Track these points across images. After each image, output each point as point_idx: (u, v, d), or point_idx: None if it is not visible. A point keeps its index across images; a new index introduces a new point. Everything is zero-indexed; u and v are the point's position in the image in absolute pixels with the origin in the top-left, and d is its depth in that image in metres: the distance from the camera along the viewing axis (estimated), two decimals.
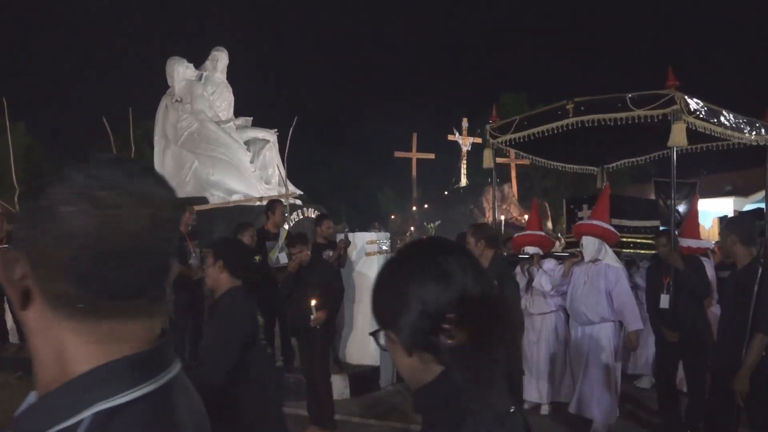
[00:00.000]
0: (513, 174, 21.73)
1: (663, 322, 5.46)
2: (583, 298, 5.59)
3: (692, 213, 6.97)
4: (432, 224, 26.87)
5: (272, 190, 12.68)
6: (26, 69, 45.06)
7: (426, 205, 26.47)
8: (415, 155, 15.43)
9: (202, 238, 9.23)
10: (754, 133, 7.17)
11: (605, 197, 6.08)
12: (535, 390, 6.36)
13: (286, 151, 10.11)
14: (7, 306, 8.76)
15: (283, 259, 6.98)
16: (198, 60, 13.58)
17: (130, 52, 51.35)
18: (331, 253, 7.00)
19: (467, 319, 1.14)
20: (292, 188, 11.85)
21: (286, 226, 8.73)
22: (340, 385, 6.93)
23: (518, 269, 6.53)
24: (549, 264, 6.36)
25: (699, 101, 6.23)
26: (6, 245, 8.51)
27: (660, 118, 5.97)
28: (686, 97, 6.00)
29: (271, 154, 13.31)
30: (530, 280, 6.42)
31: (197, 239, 7.52)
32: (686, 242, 6.10)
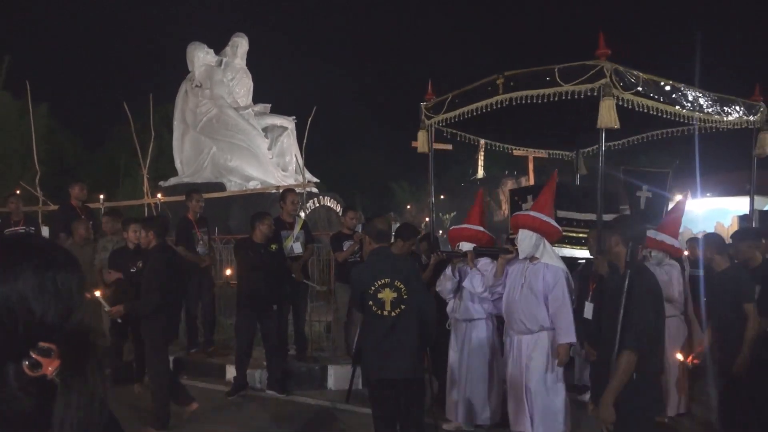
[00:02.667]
0: (530, 166, 21.57)
1: (585, 334, 4.83)
2: (519, 302, 4.84)
3: (677, 208, 6.25)
4: (447, 215, 26.83)
5: (289, 177, 12.73)
6: (50, 52, 45.51)
7: (442, 196, 26.44)
8: (432, 146, 15.39)
9: (219, 225, 9.30)
10: (731, 115, 6.08)
11: (551, 187, 5.25)
12: (453, 409, 5.49)
13: (305, 140, 10.13)
14: None
15: (297, 248, 7.02)
16: (218, 46, 13.63)
17: (152, 37, 51.64)
18: (348, 243, 7.04)
19: (59, 350, 1.00)
20: (308, 176, 11.88)
21: (303, 215, 8.77)
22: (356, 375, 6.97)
23: (448, 269, 5.55)
24: (484, 263, 5.37)
25: (638, 73, 5.23)
26: (23, 227, 8.64)
27: (588, 93, 5.06)
28: (619, 68, 5.06)
29: (289, 141, 13.35)
30: (462, 280, 5.51)
31: (206, 227, 7.56)
32: (660, 237, 5.54)
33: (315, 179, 12.70)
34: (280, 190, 8.14)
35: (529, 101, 5.39)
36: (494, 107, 5.68)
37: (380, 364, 4.12)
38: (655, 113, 5.41)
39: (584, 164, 8.48)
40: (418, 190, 30.32)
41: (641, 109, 5.27)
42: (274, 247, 6.65)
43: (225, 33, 13.93)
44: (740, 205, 15.04)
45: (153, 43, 50.23)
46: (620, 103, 5.07)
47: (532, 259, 4.85)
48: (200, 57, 13.12)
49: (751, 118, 6.30)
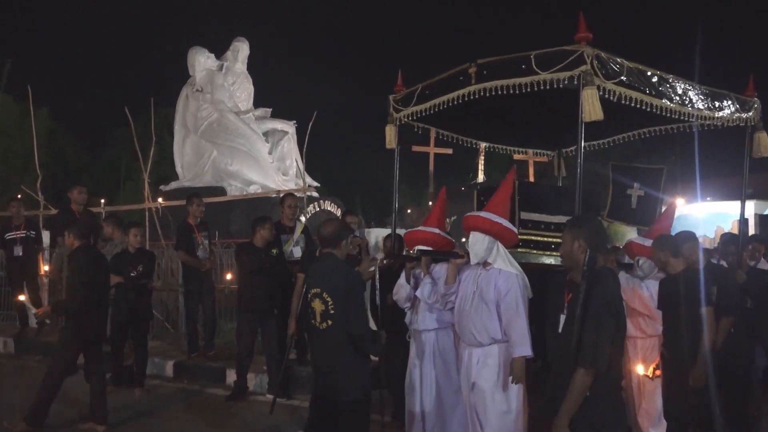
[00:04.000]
0: (531, 171, 21.62)
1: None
2: (470, 312, 4.37)
3: (668, 212, 5.70)
4: (448, 219, 26.82)
5: (289, 182, 12.74)
6: (51, 56, 45.64)
7: None
8: (432, 150, 15.45)
9: (219, 229, 9.31)
10: (724, 110, 5.49)
11: (507, 185, 4.77)
12: (412, 426, 4.97)
13: (305, 145, 10.15)
14: (26, 291, 8.90)
15: (297, 252, 7.01)
16: (219, 50, 13.66)
17: (153, 41, 51.75)
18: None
19: None
20: (309, 181, 11.89)
21: (303, 219, 8.78)
22: None
23: (402, 276, 5.11)
24: (441, 269, 4.86)
25: (621, 60, 4.66)
26: (24, 231, 8.65)
27: (566, 82, 4.51)
28: (602, 54, 4.51)
29: (290, 145, 13.37)
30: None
31: (206, 231, 7.57)
32: (649, 242, 4.95)
33: (315, 183, 12.71)
34: (281, 195, 8.15)
35: (503, 92, 4.80)
36: (466, 99, 5.06)
37: (316, 381, 3.99)
38: (640, 107, 4.80)
39: (564, 165, 7.69)
40: (419, 194, 30.34)
41: (626, 102, 4.69)
42: (274, 251, 6.66)
43: (226, 37, 13.98)
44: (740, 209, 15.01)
45: (154, 48, 50.37)
46: (602, 93, 4.50)
47: (485, 264, 4.39)
48: (201, 61, 13.15)
49: (744, 115, 5.65)
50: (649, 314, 4.89)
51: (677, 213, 15.19)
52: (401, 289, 5.06)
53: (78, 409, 5.83)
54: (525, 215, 5.22)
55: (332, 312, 3.81)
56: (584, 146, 6.78)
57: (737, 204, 6.35)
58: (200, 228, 7.52)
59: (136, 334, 6.64)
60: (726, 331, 4.62)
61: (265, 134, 13.16)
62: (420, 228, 5.17)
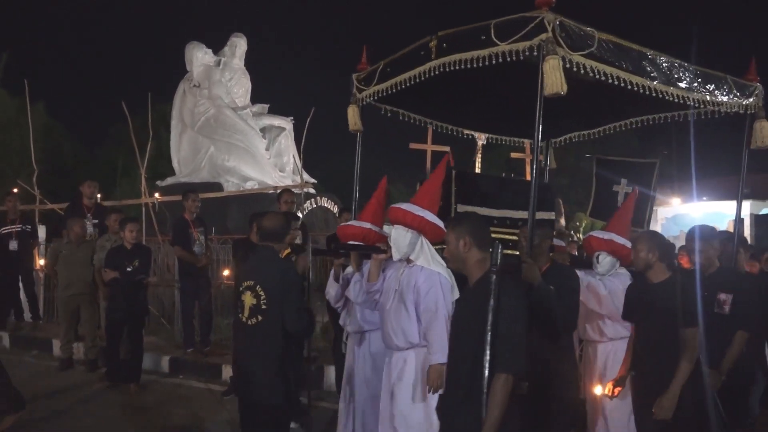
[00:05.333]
0: (527, 169, 21.68)
1: None
2: (390, 312, 3.99)
3: (628, 201, 5.11)
4: None
5: (286, 178, 12.74)
6: (47, 49, 45.46)
7: None
8: (430, 147, 15.40)
9: (216, 225, 9.31)
10: (720, 94, 4.86)
11: (437, 175, 4.37)
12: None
13: (303, 141, 10.13)
14: (21, 285, 8.89)
15: None
16: (217, 46, 13.64)
17: (150, 35, 51.62)
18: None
19: None
20: (306, 177, 11.89)
21: (300, 215, 8.76)
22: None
23: (332, 273, 4.74)
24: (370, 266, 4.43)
25: (592, 31, 4.07)
26: (20, 225, 8.64)
27: (526, 53, 3.93)
28: (566, 21, 3.93)
29: (287, 141, 13.37)
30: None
31: (202, 227, 7.56)
32: (608, 236, 4.50)
33: (312, 180, 12.71)
34: (278, 191, 8.14)
35: (464, 67, 4.22)
36: (428, 76, 4.51)
37: (240, 380, 3.86)
38: (615, 82, 4.19)
39: (554, 157, 6.99)
40: (415, 190, 30.31)
41: (598, 76, 4.10)
42: None
43: (224, 33, 13.96)
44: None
45: (151, 42, 50.20)
46: (568, 66, 3.91)
47: (409, 261, 3.99)
48: (199, 57, 13.14)
49: (744, 101, 5.02)
50: (609, 315, 4.36)
51: (673, 213, 15.22)
52: (331, 287, 4.70)
53: (72, 402, 5.82)
54: (463, 208, 4.70)
55: (264, 307, 3.64)
56: (573, 137, 6.53)
57: (733, 204, 5.70)
58: (196, 224, 7.51)
59: (131, 330, 6.63)
60: (740, 348, 4.10)
61: (263, 130, 13.16)
62: (351, 222, 4.76)
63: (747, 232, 12.66)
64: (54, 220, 10.87)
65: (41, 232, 9.80)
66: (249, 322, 3.67)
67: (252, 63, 13.98)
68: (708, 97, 4.78)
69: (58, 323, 7.69)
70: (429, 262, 3.95)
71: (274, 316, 3.61)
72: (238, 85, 13.54)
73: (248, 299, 3.68)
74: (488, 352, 2.62)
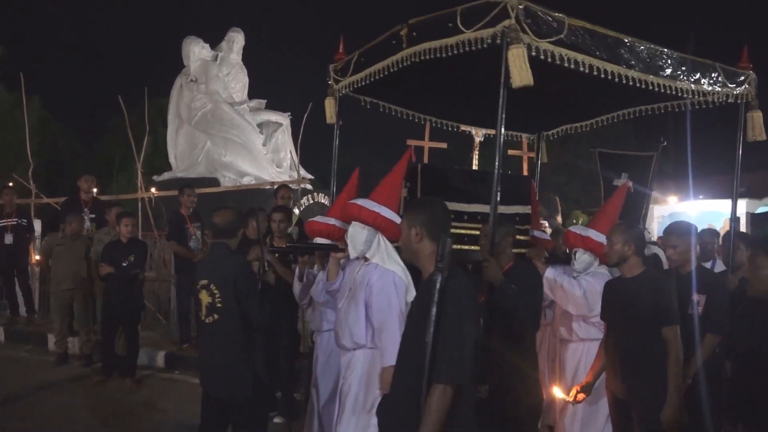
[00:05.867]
0: (525, 167, 21.71)
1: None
2: (343, 312, 3.82)
3: (617, 195, 4.74)
4: None
5: (283, 174, 12.73)
6: (44, 44, 45.27)
7: None
8: (427, 144, 15.35)
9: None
10: (707, 83, 4.55)
11: (399, 169, 4.18)
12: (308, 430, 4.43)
13: (300, 137, 10.12)
14: (16, 280, 8.87)
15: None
16: (214, 40, 13.60)
17: (147, 30, 51.44)
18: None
19: None
20: (303, 173, 11.88)
21: (297, 211, 8.76)
22: None
23: (297, 270, 4.61)
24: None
25: (561, 17, 3.82)
26: (15, 219, 8.62)
27: (490, 41, 3.71)
28: (531, 6, 3.72)
29: (284, 137, 13.35)
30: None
31: (199, 222, 7.56)
32: (585, 232, 4.27)
33: (309, 176, 12.70)
34: (275, 186, 8.13)
35: (434, 56, 4.04)
36: (401, 66, 4.32)
37: (204, 376, 3.84)
38: (587, 71, 3.96)
39: (546, 151, 6.76)
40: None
41: (567, 64, 3.86)
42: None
43: (221, 27, 13.92)
44: None
45: (148, 36, 50.06)
46: (535, 54, 3.73)
47: (366, 259, 3.80)
48: (196, 51, 13.09)
49: (736, 90, 4.72)
50: (585, 315, 4.16)
51: (669, 211, 15.23)
52: (295, 285, 4.60)
53: (67, 396, 5.81)
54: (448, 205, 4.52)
55: (219, 305, 3.59)
56: (565, 129, 6.26)
57: (728, 202, 5.41)
58: (193, 219, 7.50)
59: (127, 325, 6.62)
60: (709, 352, 3.85)
61: (260, 126, 13.14)
62: (316, 218, 4.56)
63: (743, 231, 12.69)
64: (50, 214, 10.84)
65: (37, 226, 9.77)
66: (207, 320, 3.65)
67: (249, 58, 13.95)
68: (694, 86, 4.50)
69: (51, 318, 7.68)
70: (384, 260, 3.73)
71: (230, 313, 3.57)
72: (236, 81, 13.51)
73: (204, 298, 3.65)
74: (428, 359, 2.31)
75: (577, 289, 4.11)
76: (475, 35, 3.75)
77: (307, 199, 11.84)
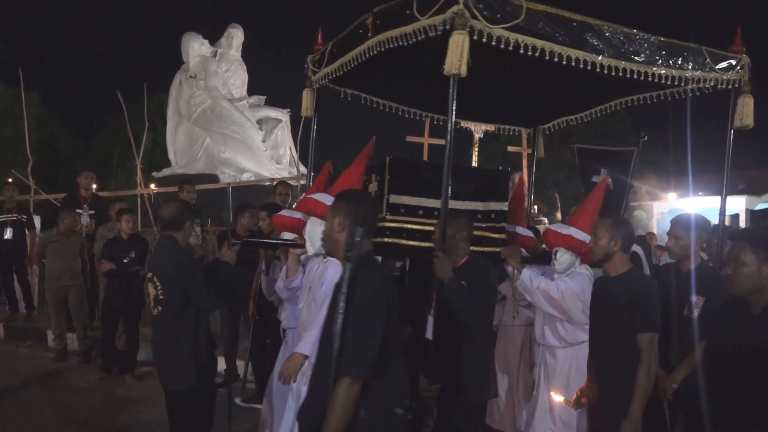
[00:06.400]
0: (524, 163, 21.73)
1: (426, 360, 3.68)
2: (303, 310, 3.76)
3: (595, 193, 4.50)
4: None
5: (283, 170, 12.72)
6: (43, 40, 45.19)
7: None
8: (427, 140, 15.35)
9: (212, 216, 9.30)
10: (694, 68, 4.23)
11: (359, 162, 4.06)
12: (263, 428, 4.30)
13: (299, 134, 10.11)
14: (15, 276, 8.86)
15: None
16: (213, 36, 13.59)
17: (146, 26, 51.38)
18: None
19: None
20: (303, 170, 11.87)
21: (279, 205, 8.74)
22: None
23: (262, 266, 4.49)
24: (311, 259, 4.07)
25: (519, 0, 3.62)
26: (16, 215, 8.61)
27: (441, 29, 3.54)
28: None
29: (283, 134, 13.35)
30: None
31: (198, 218, 7.56)
32: (567, 230, 4.03)
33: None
34: (274, 183, 8.12)
35: (394, 45, 3.87)
36: (369, 55, 4.16)
37: (156, 367, 3.79)
38: (547, 57, 3.72)
39: (543, 145, 6.54)
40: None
41: (526, 51, 3.65)
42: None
43: (221, 24, 13.91)
44: (733, 204, 15.26)
45: (147, 33, 49.98)
46: (487, 40, 3.53)
47: (325, 255, 3.63)
48: (195, 48, 13.08)
49: (727, 76, 4.38)
50: (567, 319, 3.89)
51: (669, 208, 15.22)
52: (263, 280, 4.51)
53: (66, 393, 5.81)
54: (396, 199, 4.25)
55: (161, 297, 3.56)
56: (561, 122, 5.95)
57: (729, 199, 5.21)
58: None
59: (127, 321, 6.62)
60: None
61: (259, 122, 13.14)
62: (283, 212, 4.39)
63: (742, 227, 12.70)
64: (49, 210, 10.84)
65: (36, 222, 9.77)
66: (154, 312, 3.65)
67: (249, 54, 13.93)
68: (676, 72, 4.17)
69: (49, 314, 7.68)
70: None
71: (172, 305, 3.55)
72: (235, 77, 13.50)
73: (150, 290, 3.64)
74: (335, 351, 2.23)
75: (554, 291, 3.86)
76: (428, 22, 3.58)
77: None
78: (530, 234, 4.93)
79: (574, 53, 3.78)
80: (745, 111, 4.37)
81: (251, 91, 13.88)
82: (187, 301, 3.57)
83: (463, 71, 3.42)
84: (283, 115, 13.42)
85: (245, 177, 11.95)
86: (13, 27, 40.15)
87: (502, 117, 6.43)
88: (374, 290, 2.32)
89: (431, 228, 4.22)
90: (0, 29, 35.22)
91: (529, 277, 3.93)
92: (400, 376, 2.49)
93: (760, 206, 14.53)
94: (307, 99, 5.26)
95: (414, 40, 3.70)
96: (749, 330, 2.45)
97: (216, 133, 12.55)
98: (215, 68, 13.04)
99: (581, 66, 3.81)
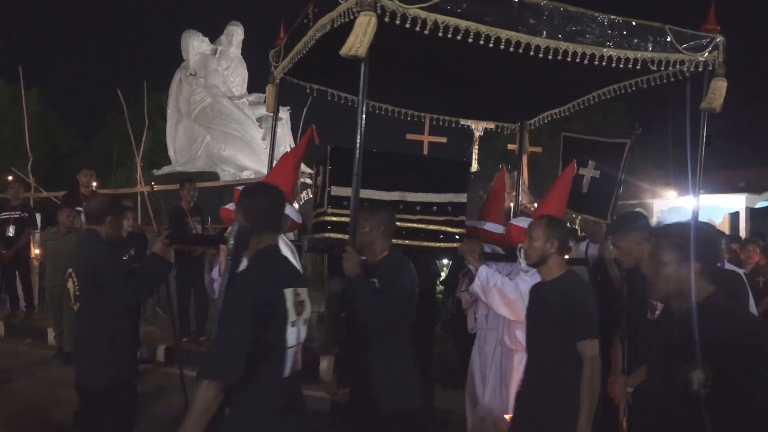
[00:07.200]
0: (524, 160, 21.74)
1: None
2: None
3: (561, 180, 4.25)
4: None
5: None
6: (42, 37, 45.16)
7: None
8: (426, 138, 15.37)
9: (212, 214, 9.30)
10: (655, 49, 3.86)
11: (294, 152, 3.77)
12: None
13: (300, 131, 10.12)
14: (18, 274, 8.86)
15: (290, 237, 7.01)
16: (213, 34, 13.58)
17: (146, 23, 51.34)
18: None
19: None
20: (302, 167, 11.88)
21: (297, 205, 8.74)
22: None
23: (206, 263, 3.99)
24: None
25: None
26: (18, 212, 8.62)
27: (355, 11, 3.28)
28: None
29: (284, 131, 13.34)
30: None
31: (199, 216, 7.56)
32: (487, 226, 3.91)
33: (309, 170, 12.69)
34: None
35: (326, 32, 3.67)
36: (310, 45, 3.94)
37: (76, 366, 3.66)
38: (472, 39, 3.45)
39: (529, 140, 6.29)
40: None
41: (446, 33, 3.37)
42: None
43: (220, 21, 13.89)
44: (733, 202, 15.23)
45: (147, 30, 49.91)
46: (401, 22, 3.28)
47: None
48: (195, 45, 13.07)
49: (700, 57, 3.98)
50: (521, 322, 3.53)
51: (669, 206, 15.24)
52: (206, 276, 4.25)
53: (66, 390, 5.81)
54: (338, 191, 4.01)
55: (78, 293, 3.51)
56: (547, 116, 5.69)
57: (729, 197, 4.95)
58: (193, 213, 7.51)
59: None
60: None
61: (259, 120, 13.14)
62: (228, 205, 4.10)
63: (743, 225, 12.68)
64: (49, 208, 10.84)
65: (38, 220, 9.77)
66: (75, 308, 3.58)
67: (249, 52, 13.92)
68: (631, 54, 3.79)
69: (49, 312, 7.69)
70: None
71: (88, 301, 3.47)
72: (235, 74, 13.49)
73: (71, 286, 3.59)
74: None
75: (511, 291, 3.61)
76: (347, 6, 3.34)
77: (307, 194, 11.83)
78: (500, 231, 4.53)
79: (505, 34, 3.47)
80: (717, 95, 4.01)
81: (251, 88, 13.88)
82: (103, 297, 3.44)
83: (362, 53, 3.19)
84: (283, 113, 13.41)
85: (245, 175, 11.96)
86: (12, 24, 40.09)
87: (489, 113, 6.26)
88: (242, 291, 2.22)
89: (415, 224, 3.99)
90: None
91: (485, 275, 3.66)
92: (276, 377, 2.35)
93: (761, 204, 14.52)
94: (269, 95, 5.15)
95: (335, 25, 3.50)
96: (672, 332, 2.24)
97: (216, 131, 12.55)
98: (215, 66, 13.03)
99: (517, 49, 3.52)
